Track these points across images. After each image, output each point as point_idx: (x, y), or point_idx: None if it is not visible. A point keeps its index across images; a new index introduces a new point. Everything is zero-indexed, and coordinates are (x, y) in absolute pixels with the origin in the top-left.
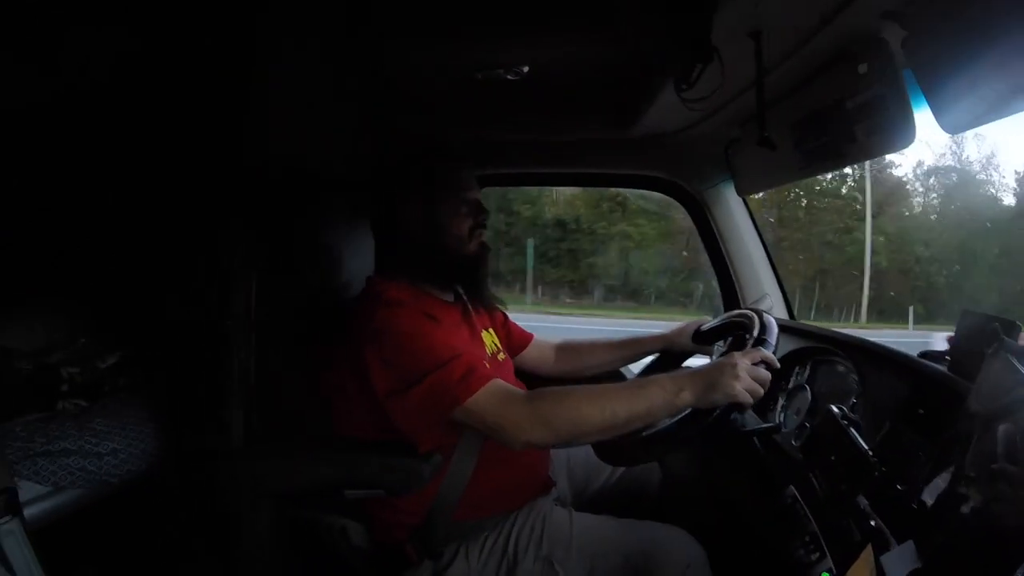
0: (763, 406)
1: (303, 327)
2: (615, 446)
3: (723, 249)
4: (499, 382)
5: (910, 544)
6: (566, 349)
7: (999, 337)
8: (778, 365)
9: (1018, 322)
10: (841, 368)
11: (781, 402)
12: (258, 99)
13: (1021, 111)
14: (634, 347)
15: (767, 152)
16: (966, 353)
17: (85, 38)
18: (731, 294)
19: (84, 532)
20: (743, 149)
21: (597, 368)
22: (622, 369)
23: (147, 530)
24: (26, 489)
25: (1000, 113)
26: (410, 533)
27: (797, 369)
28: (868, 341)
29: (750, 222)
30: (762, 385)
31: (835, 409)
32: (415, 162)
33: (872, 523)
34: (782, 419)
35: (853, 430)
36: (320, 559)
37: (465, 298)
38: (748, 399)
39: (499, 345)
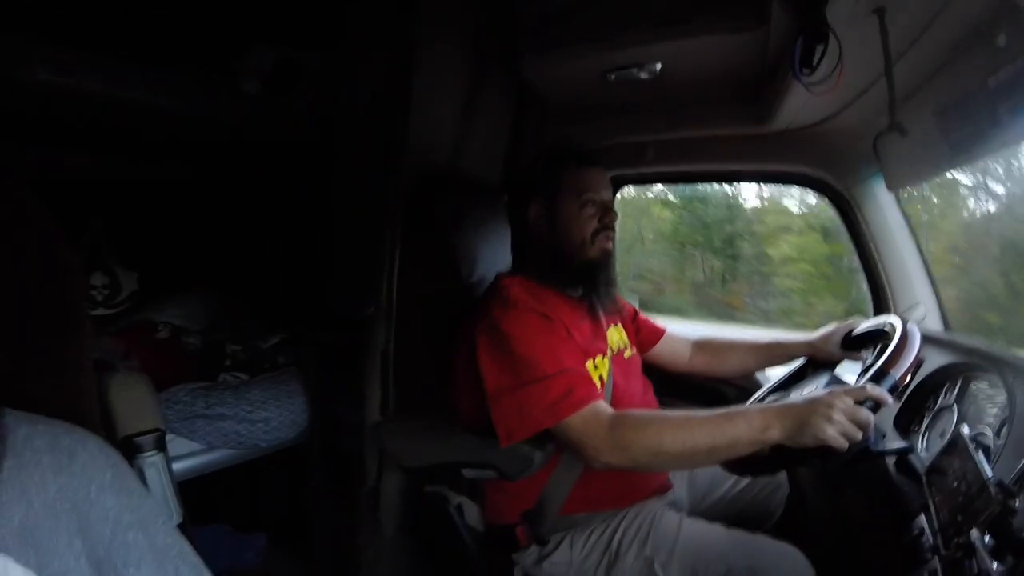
0: (906, 426)
1: (437, 317)
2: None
3: (872, 250)
4: (594, 405)
5: None
6: (704, 347)
7: None
8: (889, 402)
9: None
10: (992, 387)
11: (926, 423)
12: (418, 111)
13: None
14: (777, 350)
15: (917, 142)
16: None
17: (267, 60)
18: (880, 301)
19: (229, 489)
20: (892, 140)
21: (734, 370)
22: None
23: (288, 492)
24: (182, 445)
25: None
26: (521, 518)
27: (947, 386)
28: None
29: (903, 221)
30: (862, 427)
31: (965, 430)
32: (541, 165)
33: (986, 564)
34: (924, 442)
35: (981, 455)
36: (439, 532)
37: (590, 293)
38: (841, 443)
39: (627, 341)
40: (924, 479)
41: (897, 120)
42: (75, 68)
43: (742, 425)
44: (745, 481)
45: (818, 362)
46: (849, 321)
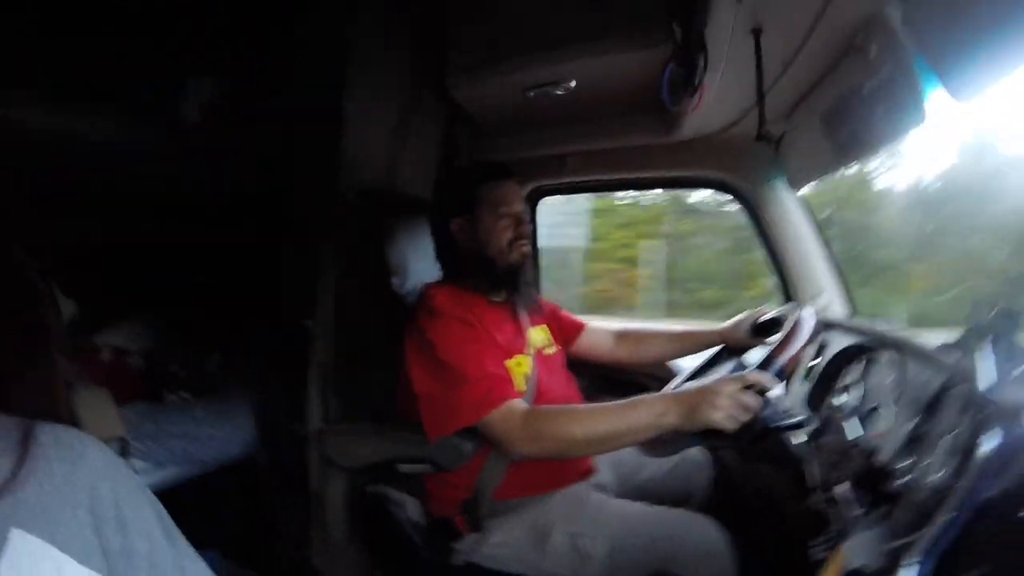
0: (818, 404)
1: (375, 327)
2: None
3: (776, 246)
4: (512, 403)
5: (872, 532)
6: (624, 337)
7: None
8: (771, 387)
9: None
10: (889, 365)
11: (834, 399)
12: (352, 128)
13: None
14: (692, 339)
15: (811, 144)
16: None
17: (207, 88)
18: (788, 291)
19: (182, 506)
20: (790, 143)
21: (653, 358)
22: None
23: (239, 505)
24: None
25: (1006, 69)
26: (459, 508)
27: (852, 365)
28: (911, 339)
29: (806, 217)
30: (748, 411)
31: (840, 400)
32: (460, 181)
33: (845, 514)
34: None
35: (856, 420)
36: (384, 530)
37: (511, 297)
38: (728, 426)
39: (549, 339)
40: (805, 449)
41: (766, 130)
42: (12, 102)
43: (641, 413)
44: (670, 463)
45: (731, 349)
46: (758, 309)
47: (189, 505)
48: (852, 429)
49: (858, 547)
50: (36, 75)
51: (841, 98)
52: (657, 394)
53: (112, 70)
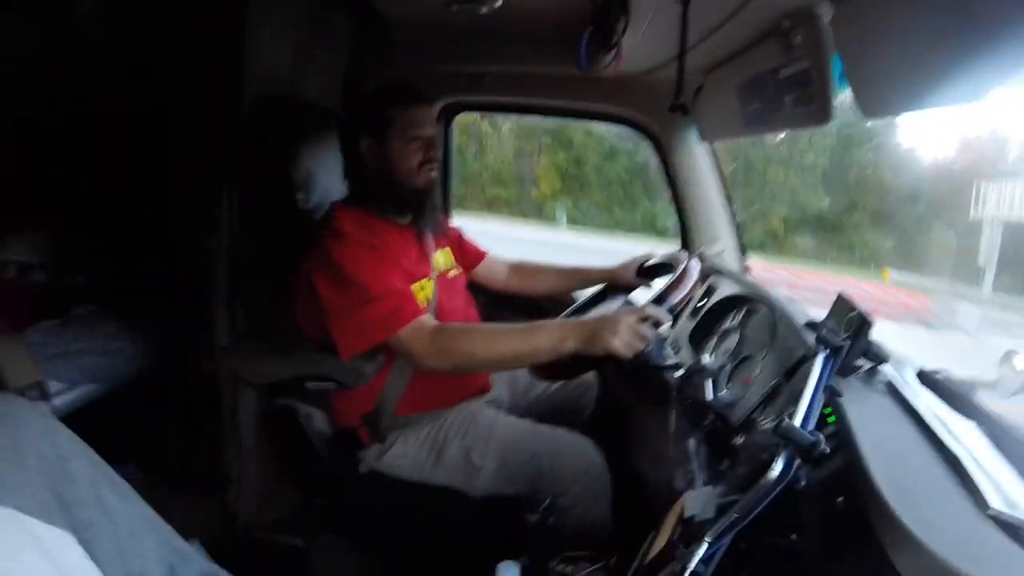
0: (699, 342)
1: (278, 243)
2: (538, 365)
3: (680, 190)
4: (419, 320)
5: (708, 488)
6: (519, 270)
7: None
8: (666, 321)
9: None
10: (766, 319)
11: (714, 340)
12: (254, 31)
13: (938, 106)
14: (581, 276)
15: (723, 104)
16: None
17: None
18: (686, 235)
19: (94, 423)
20: (706, 97)
21: (544, 291)
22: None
23: (150, 419)
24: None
25: (917, 105)
26: (362, 420)
27: (732, 313)
28: (786, 299)
29: (712, 168)
30: (644, 341)
31: (705, 359)
32: (371, 102)
33: (692, 466)
34: (712, 356)
35: (708, 383)
36: (292, 440)
37: (417, 220)
38: (625, 353)
39: (452, 262)
40: (677, 396)
41: (680, 102)
42: None
43: (543, 336)
44: (559, 383)
45: (616, 287)
46: (644, 253)
47: (102, 422)
48: (711, 390)
49: (696, 498)
50: None
51: (758, 75)
52: (558, 320)
53: None
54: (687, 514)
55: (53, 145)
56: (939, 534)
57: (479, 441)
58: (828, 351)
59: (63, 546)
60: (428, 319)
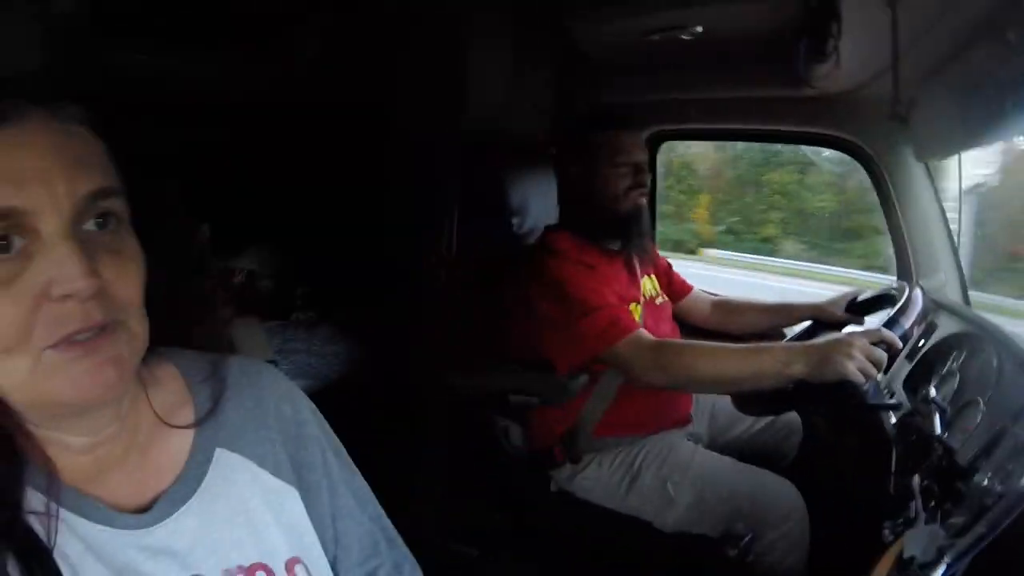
0: (915, 388)
1: (492, 264)
2: (747, 396)
3: (898, 217)
4: (637, 332)
5: (934, 527)
6: (720, 306)
7: None
8: (900, 346)
9: None
10: (989, 358)
11: (934, 384)
12: (472, 70)
13: None
14: (786, 313)
15: (943, 116)
16: None
17: (323, 23)
18: (903, 264)
19: None
20: (921, 112)
21: (747, 328)
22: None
23: (354, 422)
24: None
25: None
26: (558, 439)
27: (955, 353)
28: (1014, 339)
29: (931, 191)
30: (877, 366)
31: (932, 393)
32: (579, 128)
33: (917, 506)
34: (938, 395)
35: (937, 416)
36: (487, 453)
37: (627, 246)
38: (859, 378)
39: (658, 289)
40: (893, 432)
41: (899, 110)
42: (144, 48)
43: (767, 359)
44: (761, 423)
45: (823, 324)
46: (853, 289)
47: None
48: (939, 423)
49: (916, 538)
50: (141, 20)
51: (975, 78)
52: (782, 344)
53: (229, 9)
54: (907, 554)
55: (280, 168)
56: None
57: (676, 472)
58: None
59: (288, 500)
60: (646, 333)
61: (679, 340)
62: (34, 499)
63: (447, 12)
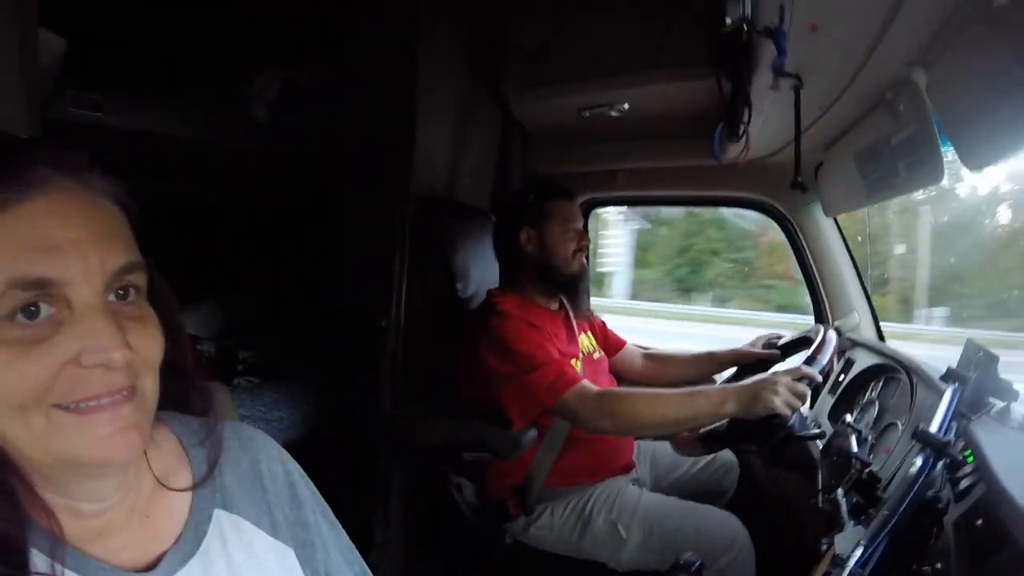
0: (838, 418)
1: (438, 325)
2: (685, 439)
3: (811, 266)
4: (582, 384)
5: (858, 528)
6: (651, 358)
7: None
8: (819, 380)
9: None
10: (904, 385)
11: (854, 414)
12: (420, 140)
13: None
14: (710, 360)
15: (846, 176)
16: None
17: (275, 88)
18: (819, 309)
19: None
20: (827, 173)
21: (679, 378)
22: None
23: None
24: None
25: (1016, 151)
26: (511, 492)
27: (872, 383)
28: (924, 364)
29: (840, 241)
30: (801, 398)
31: (848, 419)
32: (532, 197)
33: (843, 514)
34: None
35: (853, 437)
36: (441, 508)
37: (567, 306)
38: (786, 411)
39: (595, 345)
40: (819, 456)
41: (799, 179)
42: (101, 105)
43: (702, 401)
44: (701, 463)
45: (747, 367)
46: (772, 332)
47: None
48: (855, 443)
49: (844, 539)
50: (120, 77)
51: (873, 144)
52: (717, 386)
53: (184, 67)
54: (837, 552)
55: (220, 225)
56: None
57: (625, 514)
58: (956, 384)
59: (287, 559)
60: (590, 384)
61: (621, 388)
62: (39, 560)
63: (397, 84)
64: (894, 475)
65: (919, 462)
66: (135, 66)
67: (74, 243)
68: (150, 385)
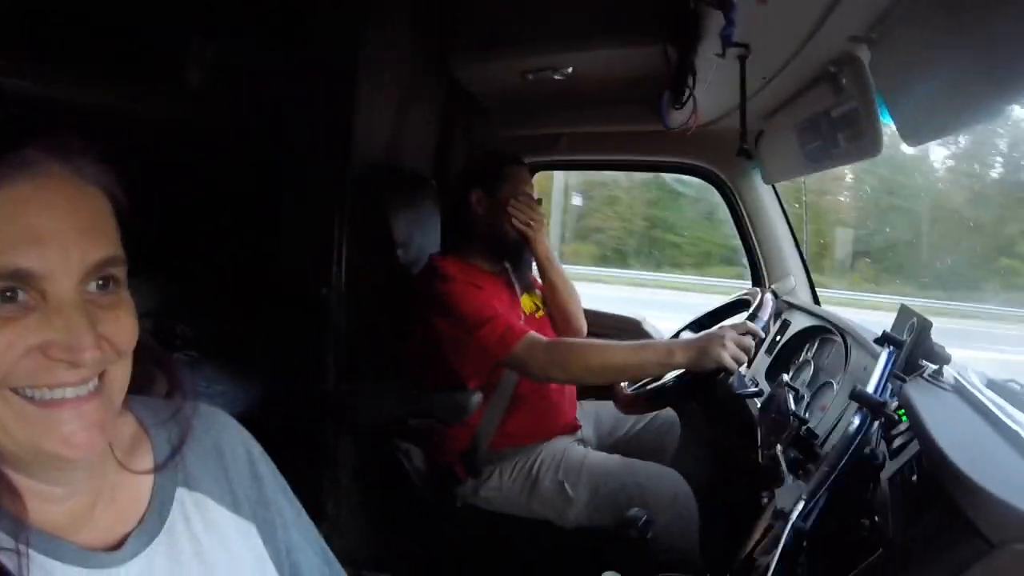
0: (775, 377)
1: (381, 294)
2: (628, 398)
3: (749, 232)
4: (531, 335)
5: (798, 483)
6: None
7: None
8: (763, 335)
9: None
10: (839, 346)
11: (790, 374)
12: (361, 108)
13: (972, 125)
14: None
15: (786, 146)
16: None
17: (210, 53)
18: (757, 273)
19: None
20: (767, 142)
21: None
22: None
23: None
24: None
25: (953, 128)
26: (458, 457)
27: (807, 345)
28: (858, 326)
29: (778, 208)
30: (746, 352)
31: (784, 378)
32: (483, 162)
33: (782, 469)
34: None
35: (790, 396)
36: (390, 476)
37: (509, 270)
38: (733, 365)
39: (538, 304)
40: (758, 415)
41: (745, 147)
42: (30, 74)
43: (651, 352)
44: (643, 423)
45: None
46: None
47: None
48: (792, 401)
49: (783, 494)
50: (37, 44)
51: (813, 115)
52: (663, 340)
53: (115, 36)
54: (778, 506)
55: (154, 198)
56: (1008, 487)
57: (571, 474)
58: (891, 347)
59: (249, 535)
60: (538, 335)
61: (569, 339)
62: (3, 541)
63: (339, 50)
64: (831, 432)
65: (856, 421)
66: (51, 29)
67: (56, 235)
68: (120, 373)
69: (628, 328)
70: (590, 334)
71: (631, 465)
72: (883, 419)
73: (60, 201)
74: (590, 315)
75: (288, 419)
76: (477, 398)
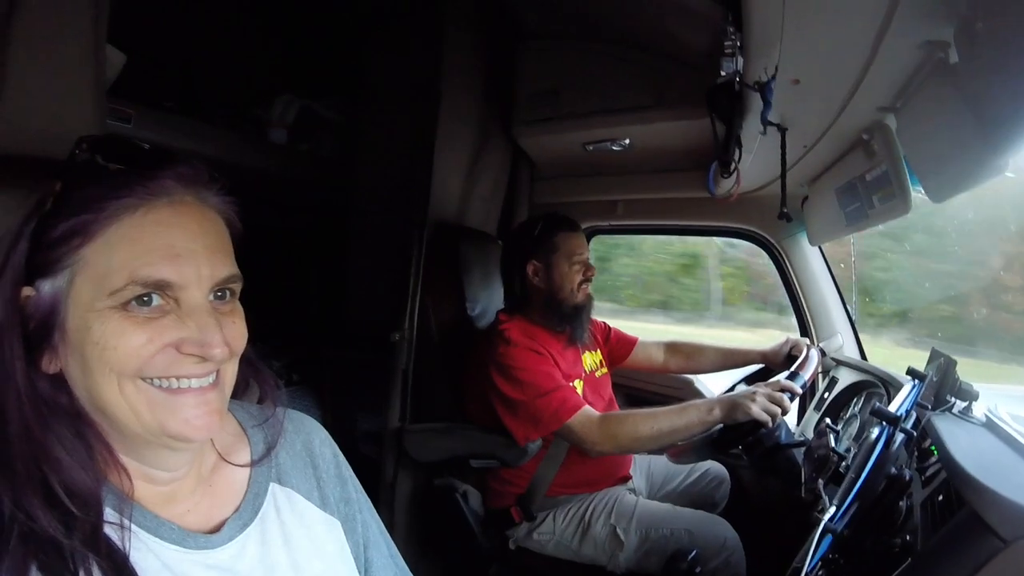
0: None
1: (448, 343)
2: (676, 448)
3: (797, 291)
4: (584, 410)
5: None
6: (677, 350)
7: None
8: (799, 391)
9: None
10: (882, 398)
11: (840, 426)
12: (437, 170)
13: (977, 183)
14: (738, 356)
15: (828, 208)
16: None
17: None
18: (805, 332)
19: None
20: (812, 205)
21: (709, 367)
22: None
23: None
24: None
25: (965, 186)
26: (515, 500)
27: (855, 399)
28: (901, 377)
29: (824, 268)
30: (779, 406)
31: (827, 420)
32: (540, 229)
33: (824, 500)
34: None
35: (831, 435)
36: (446, 517)
37: (570, 330)
38: (764, 417)
39: (599, 362)
40: (804, 456)
41: (785, 211)
42: (132, 118)
43: (692, 412)
44: (693, 476)
45: (767, 370)
46: (798, 339)
47: None
48: (833, 440)
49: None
50: (147, 95)
51: (851, 180)
52: (704, 399)
53: (208, 90)
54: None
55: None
56: (1020, 490)
57: (623, 519)
58: (916, 380)
59: (333, 530)
60: (592, 409)
61: (618, 412)
62: (109, 515)
63: (422, 117)
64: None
65: (875, 431)
66: (162, 84)
67: (191, 253)
68: (231, 371)
69: (682, 387)
70: (644, 398)
71: (680, 511)
72: (908, 439)
73: (193, 224)
74: (642, 382)
75: (350, 452)
76: (537, 445)
